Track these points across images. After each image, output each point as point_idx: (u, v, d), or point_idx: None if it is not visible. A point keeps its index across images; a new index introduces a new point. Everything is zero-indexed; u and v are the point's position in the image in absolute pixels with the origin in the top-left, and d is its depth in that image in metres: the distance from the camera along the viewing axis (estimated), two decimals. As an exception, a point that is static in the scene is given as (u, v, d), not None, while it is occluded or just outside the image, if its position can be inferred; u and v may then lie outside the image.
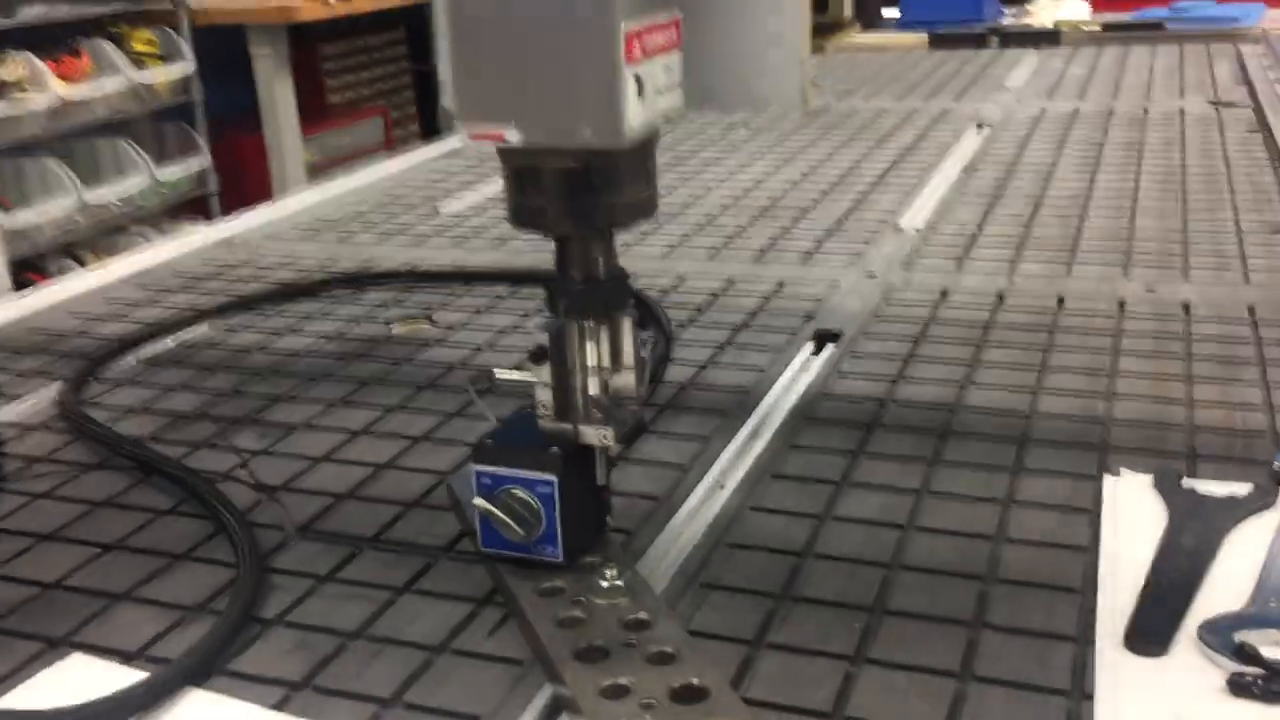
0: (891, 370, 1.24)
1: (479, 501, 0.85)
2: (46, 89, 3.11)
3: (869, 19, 4.27)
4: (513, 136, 0.76)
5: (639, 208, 0.81)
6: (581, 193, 0.78)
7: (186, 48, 3.56)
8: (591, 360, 0.86)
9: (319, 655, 0.83)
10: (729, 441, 1.11)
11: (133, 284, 1.67)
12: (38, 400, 1.28)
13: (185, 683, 0.79)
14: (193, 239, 1.89)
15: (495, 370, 0.90)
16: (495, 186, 2.06)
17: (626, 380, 0.88)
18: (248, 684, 0.80)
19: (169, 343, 1.44)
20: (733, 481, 1.04)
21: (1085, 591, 0.84)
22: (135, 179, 3.39)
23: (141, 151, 3.49)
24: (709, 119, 2.58)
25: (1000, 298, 1.43)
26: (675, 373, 1.27)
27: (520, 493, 0.86)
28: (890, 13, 5.52)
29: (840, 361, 1.28)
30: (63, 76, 3.19)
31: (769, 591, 0.87)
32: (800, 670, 0.78)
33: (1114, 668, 0.75)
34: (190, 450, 1.15)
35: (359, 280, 1.61)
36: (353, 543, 0.97)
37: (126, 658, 0.84)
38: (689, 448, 1.10)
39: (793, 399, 1.19)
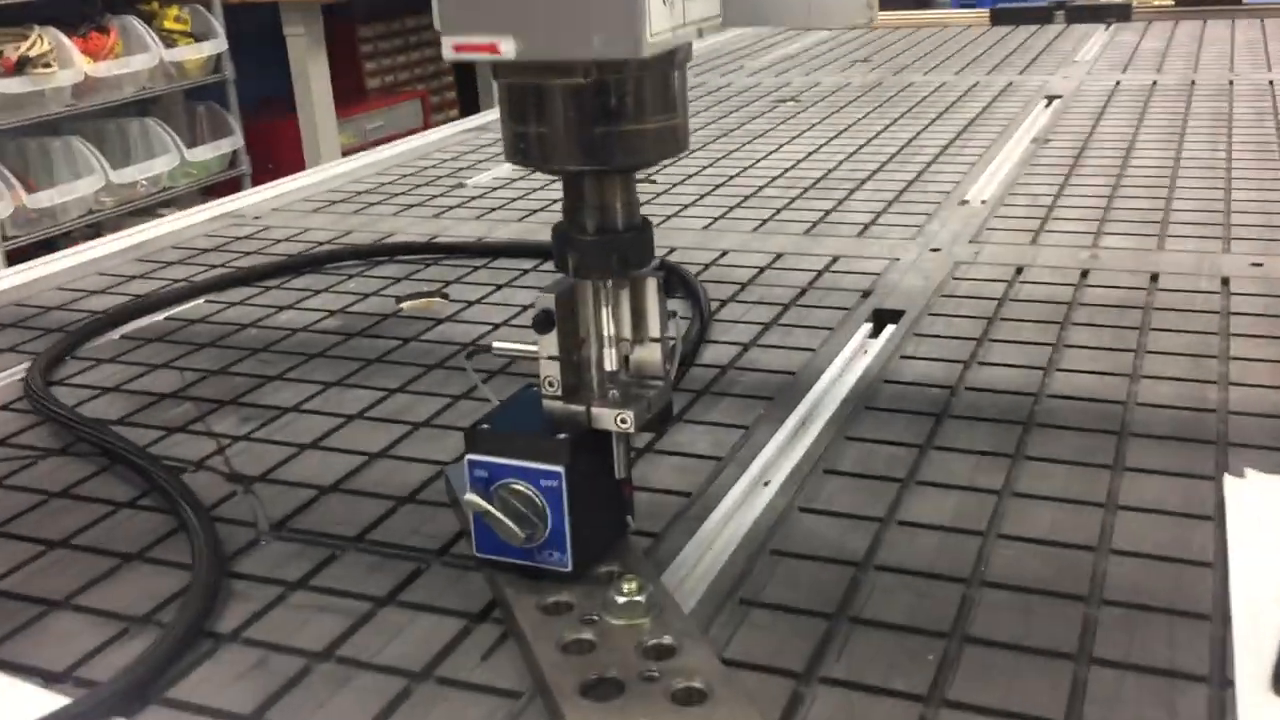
0: (962, 353, 1.09)
1: (471, 498, 0.71)
2: (71, 65, 3.01)
3: (924, 3, 4.09)
4: (508, 48, 0.62)
5: (664, 139, 0.66)
6: (592, 117, 0.63)
7: (218, 25, 3.45)
8: (608, 329, 0.71)
9: (278, 680, 0.69)
10: (774, 431, 0.95)
11: (128, 257, 1.54)
12: (6, 378, 1.16)
13: (110, 714, 0.65)
14: (198, 212, 1.76)
15: (494, 342, 0.76)
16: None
17: (650, 354, 0.73)
18: (188, 716, 0.66)
19: (159, 318, 1.30)
20: (779, 477, 0.89)
21: (1215, 618, 0.68)
22: (164, 160, 3.29)
23: (171, 131, 3.39)
24: (751, 87, 2.43)
25: (1084, 274, 1.27)
26: (713, 354, 1.12)
27: (521, 487, 0.71)
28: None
29: (903, 343, 1.12)
30: (89, 53, 3.09)
31: (822, 611, 0.72)
32: (862, 712, 0.63)
33: (1260, 718, 0.59)
34: (164, 435, 1.02)
35: (363, 253, 1.48)
36: (333, 543, 0.83)
37: (50, 679, 0.70)
38: (728, 437, 0.95)
39: (848, 384, 1.04)
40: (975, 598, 0.72)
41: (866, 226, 1.50)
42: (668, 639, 0.66)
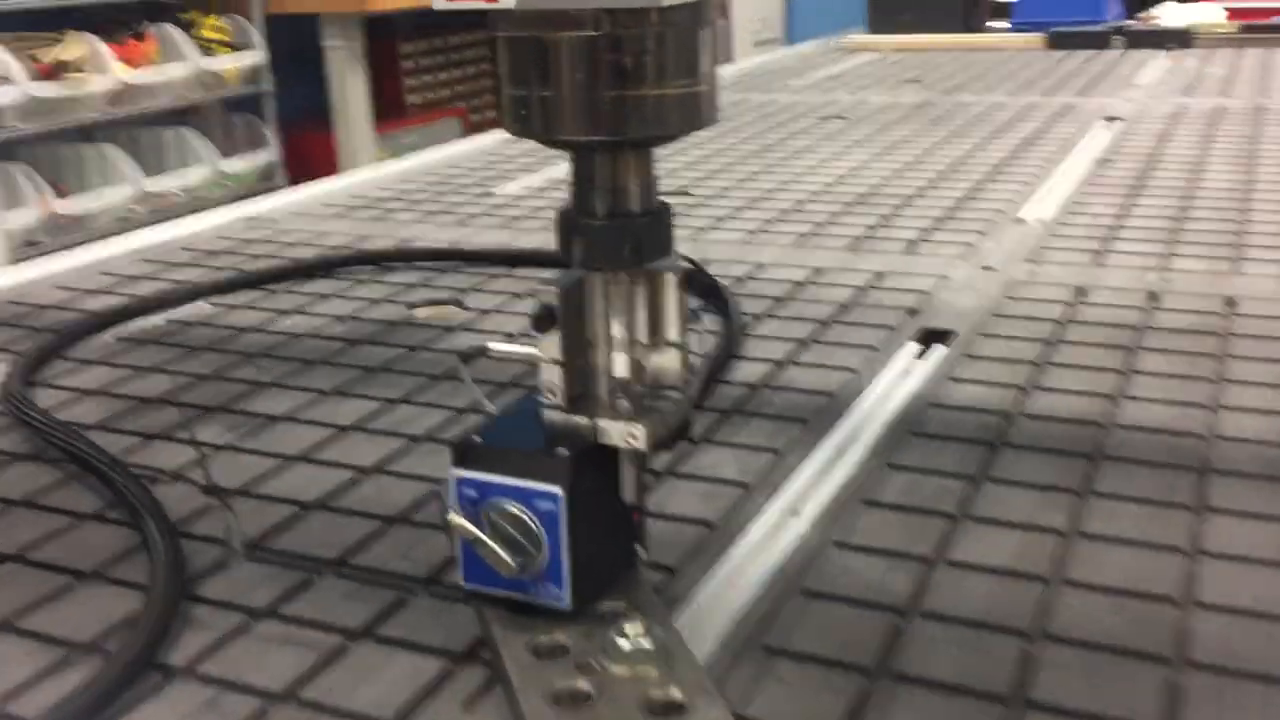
0: (1019, 377, 0.98)
1: (457, 520, 0.62)
2: (107, 71, 2.97)
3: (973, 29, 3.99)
4: (508, -4, 0.53)
5: (687, 108, 0.57)
6: (603, 79, 0.54)
7: (258, 36, 3.41)
8: (618, 330, 0.62)
9: (228, 723, 0.60)
10: (808, 456, 0.86)
11: (136, 258, 1.47)
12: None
13: (28, 757, 0.57)
14: (212, 215, 1.69)
15: (489, 344, 0.67)
16: (559, 169, 1.84)
17: (668, 361, 0.64)
18: (118, 762, 0.57)
19: (158, 320, 1.23)
20: (812, 508, 0.79)
21: (1328, 689, 0.58)
22: (198, 170, 3.25)
23: (207, 141, 3.35)
24: (794, 104, 2.34)
25: (1152, 296, 1.16)
26: (744, 371, 1.03)
27: (514, 509, 0.62)
28: (998, 24, 5.22)
29: (953, 365, 1.02)
30: (126, 60, 3.05)
31: (858, 664, 0.62)
32: (902, 790, 0.53)
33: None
34: (143, 441, 0.94)
35: (375, 259, 1.40)
36: (310, 566, 0.75)
37: (-30, 713, 0.61)
38: (756, 462, 0.86)
39: (893, 407, 0.94)
40: (1037, 654, 0.62)
41: (914, 243, 1.40)
42: (677, 693, 0.57)
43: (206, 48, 3.33)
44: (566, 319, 0.61)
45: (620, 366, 0.62)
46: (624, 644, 0.59)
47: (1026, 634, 0.64)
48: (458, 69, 4.52)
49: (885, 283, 1.25)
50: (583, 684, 0.58)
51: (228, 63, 3.38)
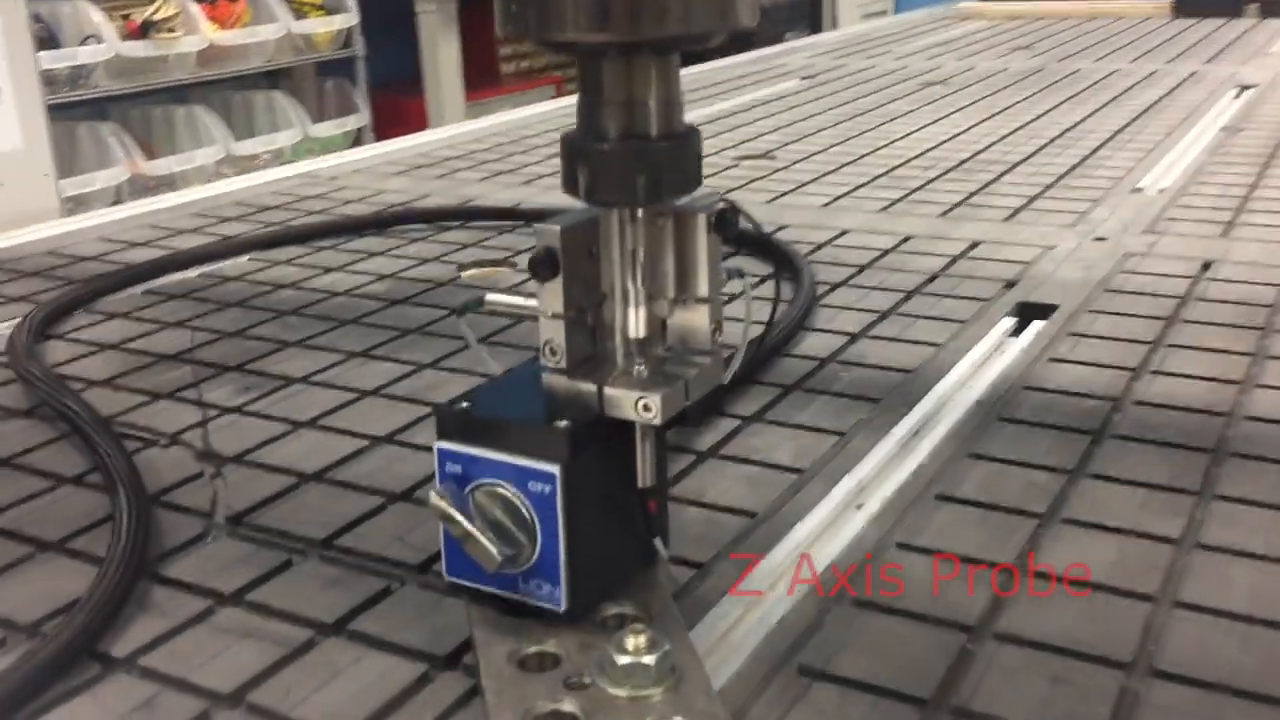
0: (1130, 358, 0.86)
1: (436, 500, 0.52)
2: (197, 31, 2.95)
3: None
4: None
5: (713, 2, 0.46)
6: (608, -42, 0.44)
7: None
8: (634, 281, 0.51)
9: (164, 728, 0.51)
10: (877, 442, 0.74)
11: (186, 212, 1.41)
12: (4, 328, 1.02)
13: (-79, 759, 0.48)
14: (273, 172, 1.62)
15: (488, 294, 0.57)
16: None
17: (695, 319, 0.53)
18: (27, 769, 0.49)
19: (192, 274, 1.16)
20: (875, 500, 0.68)
21: None
22: (287, 133, 3.21)
23: (297, 104, 3.32)
24: (896, 70, 2.20)
25: (1290, 273, 1.02)
26: (812, 343, 0.91)
27: (504, 491, 0.52)
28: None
29: (1053, 343, 0.90)
30: (216, 20, 3.03)
31: (914, 694, 0.51)
32: None
33: None
34: (148, 401, 0.86)
35: (417, 217, 1.31)
36: (295, 545, 0.66)
37: (-120, 701, 0.53)
38: (816, 445, 0.74)
39: (979, 388, 0.82)
40: (1140, 691, 0.50)
41: (1016, 211, 1.26)
42: (681, 723, 0.46)
43: (300, 10, 3.29)
44: (570, 265, 0.51)
45: (635, 324, 0.52)
46: (623, 659, 0.48)
47: (1126, 665, 0.52)
48: (555, 37, 4.43)
49: (980, 253, 1.12)
50: (568, 706, 0.47)
51: (319, 26, 3.34)
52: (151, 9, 2.86)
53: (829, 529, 0.65)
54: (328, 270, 1.16)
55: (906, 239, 1.18)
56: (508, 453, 0.52)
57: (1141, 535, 0.63)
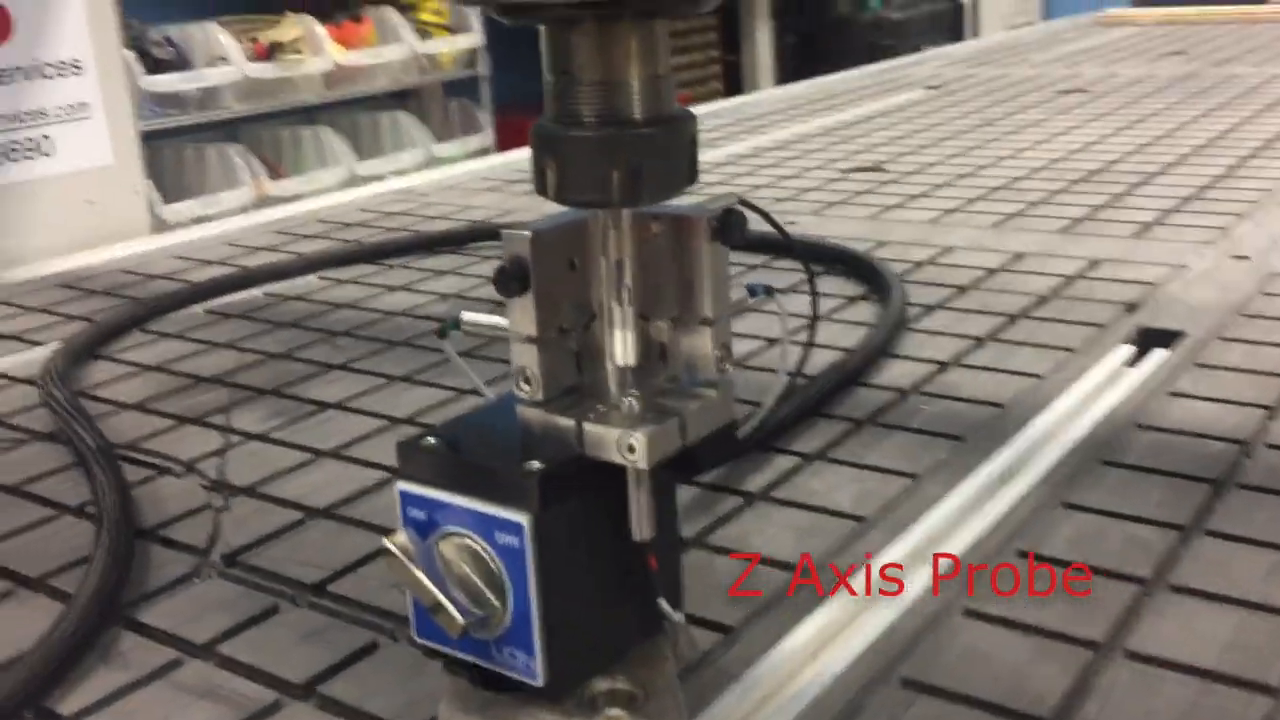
0: (1265, 394, 0.73)
1: (390, 548, 0.44)
2: (322, 53, 2.97)
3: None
4: None
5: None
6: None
7: (476, 20, 3.37)
8: (618, 297, 0.43)
9: (85, 805, 0.45)
10: (955, 485, 0.64)
11: (268, 229, 1.38)
12: (53, 349, 0.99)
13: None
14: (365, 189, 1.59)
15: (464, 313, 0.49)
16: (756, 140, 1.65)
17: (697, 343, 0.44)
18: None
19: (256, 293, 1.12)
20: (951, 553, 0.58)
21: None
22: (411, 154, 3.22)
23: (421, 124, 3.32)
24: (1031, 78, 2.06)
25: None
26: (895, 372, 0.81)
27: (472, 543, 0.44)
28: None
29: (1176, 375, 0.78)
30: (342, 42, 3.06)
31: (952, 813, 0.41)
32: None
33: None
34: (174, 425, 0.81)
35: (488, 234, 1.25)
36: (286, 589, 0.59)
37: None
38: (883, 488, 0.65)
39: (1083, 426, 0.71)
40: (1248, 823, 0.40)
41: (1148, 226, 1.14)
42: (648, 842, 0.37)
43: (425, 30, 3.30)
44: (545, 278, 0.43)
45: (622, 349, 0.44)
46: (594, 753, 0.40)
47: (1234, 785, 0.41)
48: (683, 54, 4.38)
49: (1100, 272, 1.01)
50: (521, 809, 0.39)
51: (444, 46, 3.34)
52: (278, 31, 2.89)
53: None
54: (391, 289, 1.10)
55: (1018, 256, 1.07)
56: (474, 498, 0.44)
57: (1265, 609, 0.51)
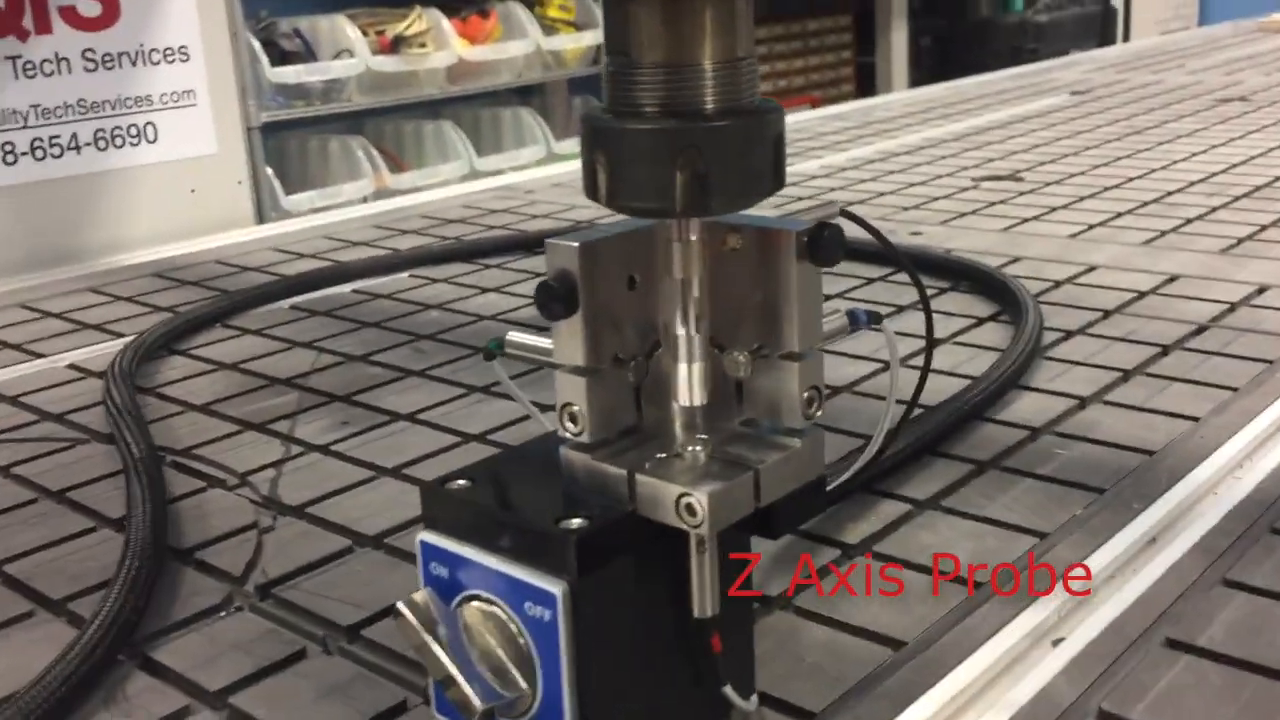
0: None
1: (405, 612, 0.38)
2: (447, 47, 2.96)
3: None
4: None
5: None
6: None
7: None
8: (685, 323, 0.35)
9: None
10: (1092, 550, 0.55)
11: (366, 223, 1.33)
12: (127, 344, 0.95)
13: None
14: (470, 185, 1.54)
15: (510, 333, 0.42)
16: (878, 146, 1.55)
17: (782, 382, 0.36)
18: None
19: (345, 290, 1.07)
20: (1078, 639, 0.49)
21: None
22: (531, 150, 3.18)
23: (542, 121, 3.29)
24: (1186, 85, 1.91)
25: None
26: (1026, 407, 0.72)
27: (500, 611, 0.37)
28: None
29: (1361, 424, 0.67)
30: (466, 36, 3.03)
31: None
32: None
33: None
34: (237, 431, 0.76)
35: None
36: (318, 630, 0.53)
37: None
38: (1005, 547, 0.56)
39: (1248, 485, 0.61)
40: None
41: (1323, 249, 1.01)
42: None
43: (550, 26, 3.26)
44: (596, 297, 0.35)
45: (688, 385, 0.36)
46: None
47: None
48: (815, 55, 4.27)
49: (1268, 299, 0.89)
50: None
51: (568, 43, 3.30)
52: (404, 24, 2.88)
53: (1005, 675, 0.47)
54: (484, 291, 1.04)
55: (1172, 279, 0.95)
56: (501, 558, 0.37)
57: None
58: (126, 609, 0.52)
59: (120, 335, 0.98)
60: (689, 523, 0.35)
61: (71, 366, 0.91)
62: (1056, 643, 0.49)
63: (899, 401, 0.42)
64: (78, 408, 0.82)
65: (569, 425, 0.37)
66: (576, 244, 0.35)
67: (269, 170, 2.58)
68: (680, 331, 0.36)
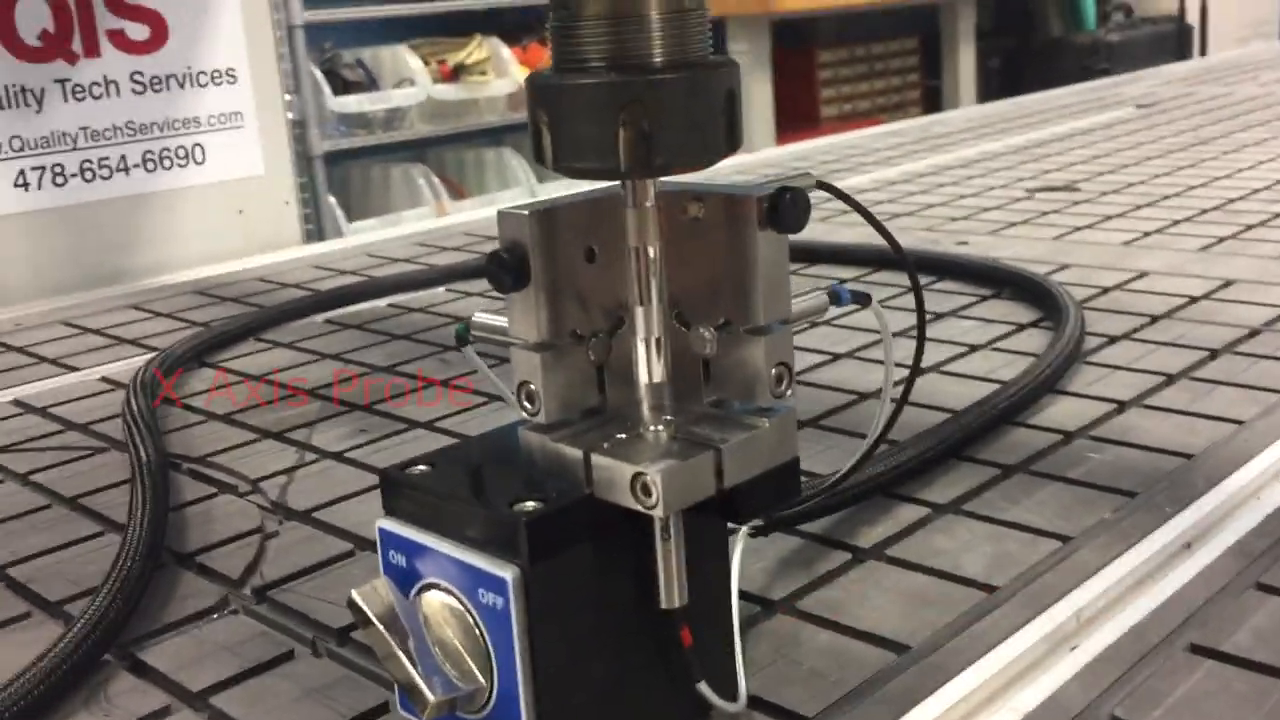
0: None
1: (357, 600, 0.36)
2: (506, 75, 2.98)
3: None
4: None
5: None
6: None
7: (665, 44, 3.31)
8: (644, 296, 0.34)
9: None
10: (1118, 553, 0.52)
11: (410, 242, 1.34)
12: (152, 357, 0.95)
13: None
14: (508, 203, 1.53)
15: (477, 314, 0.41)
16: (932, 160, 1.52)
17: (747, 358, 0.34)
18: None
19: (379, 304, 1.06)
20: (1096, 642, 0.46)
21: None
22: (593, 177, 3.19)
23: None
24: (1257, 96, 1.85)
25: None
26: (1062, 410, 0.69)
27: (456, 600, 0.35)
28: None
29: None
30: (526, 64, 3.05)
31: None
32: None
33: None
34: (255, 439, 0.75)
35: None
36: (308, 633, 0.52)
37: None
38: (1026, 551, 0.53)
39: (1292, 487, 0.57)
40: None
41: (1389, 252, 0.97)
42: None
43: (612, 55, 3.28)
44: (550, 269, 0.34)
45: (647, 362, 0.34)
46: None
47: None
48: (880, 79, 4.23)
49: (1327, 301, 0.85)
50: None
51: (631, 70, 3.31)
52: (464, 53, 2.91)
53: (1016, 683, 0.44)
54: (519, 303, 1.03)
55: (1226, 284, 0.92)
56: (455, 543, 0.35)
57: None
58: (113, 609, 0.51)
59: (155, 349, 0.98)
60: (644, 503, 0.33)
61: (104, 379, 0.92)
62: (1073, 648, 0.46)
63: (885, 428, 0.40)
64: (102, 418, 0.82)
65: (526, 405, 0.35)
66: (527, 212, 0.33)
67: (331, 199, 2.62)
68: (641, 305, 0.34)
